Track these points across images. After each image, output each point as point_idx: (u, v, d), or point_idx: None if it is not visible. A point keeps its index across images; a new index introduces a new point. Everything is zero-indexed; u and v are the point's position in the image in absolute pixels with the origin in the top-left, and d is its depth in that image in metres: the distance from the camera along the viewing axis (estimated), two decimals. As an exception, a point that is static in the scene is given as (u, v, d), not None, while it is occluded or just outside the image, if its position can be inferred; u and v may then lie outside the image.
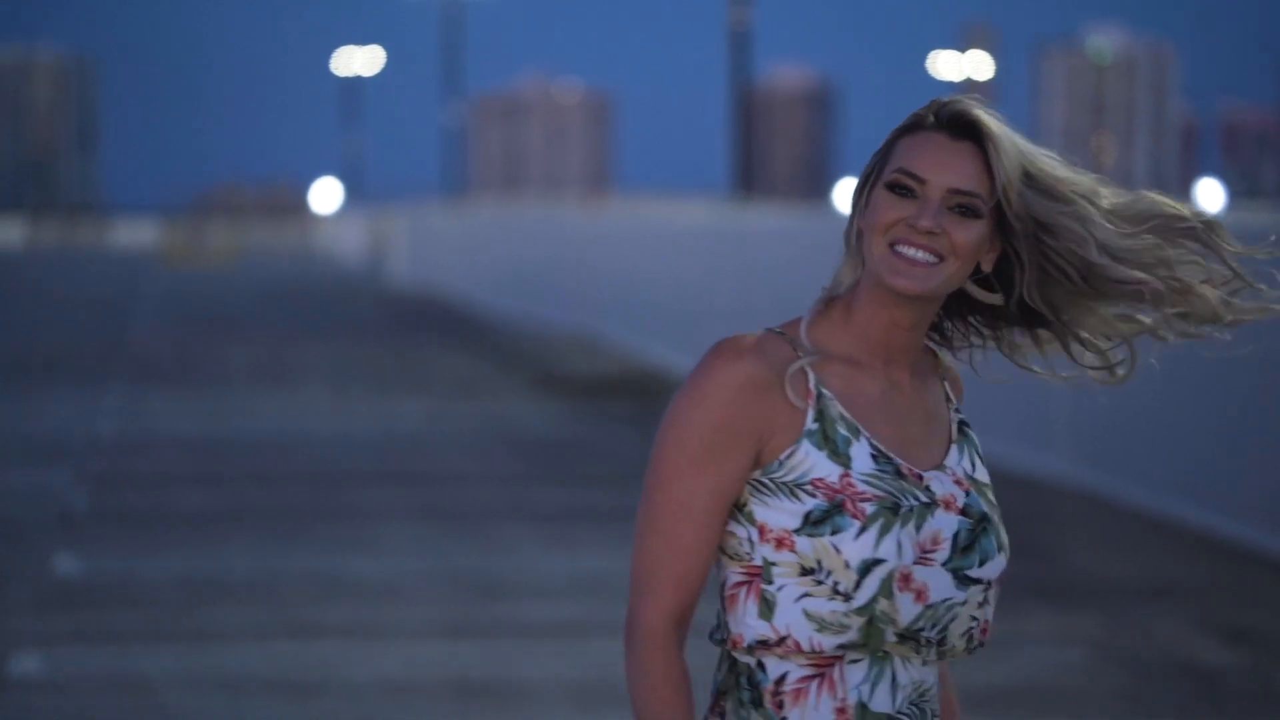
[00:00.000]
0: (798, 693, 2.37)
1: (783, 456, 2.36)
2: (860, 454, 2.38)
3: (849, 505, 2.35)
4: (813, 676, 2.37)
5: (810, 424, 2.38)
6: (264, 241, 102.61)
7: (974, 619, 2.39)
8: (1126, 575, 9.92)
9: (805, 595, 2.34)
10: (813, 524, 2.34)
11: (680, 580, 2.37)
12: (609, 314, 25.98)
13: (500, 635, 8.30)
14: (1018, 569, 10.07)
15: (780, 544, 2.35)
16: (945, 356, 2.53)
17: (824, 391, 2.40)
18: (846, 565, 2.33)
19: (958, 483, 2.42)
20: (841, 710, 2.36)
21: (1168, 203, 2.50)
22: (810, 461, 2.36)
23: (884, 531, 2.34)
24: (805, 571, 2.34)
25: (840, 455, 2.37)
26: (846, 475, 2.36)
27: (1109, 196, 2.48)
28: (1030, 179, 2.43)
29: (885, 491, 2.37)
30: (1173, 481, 11.64)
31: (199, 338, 27.33)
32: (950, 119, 2.42)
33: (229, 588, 9.24)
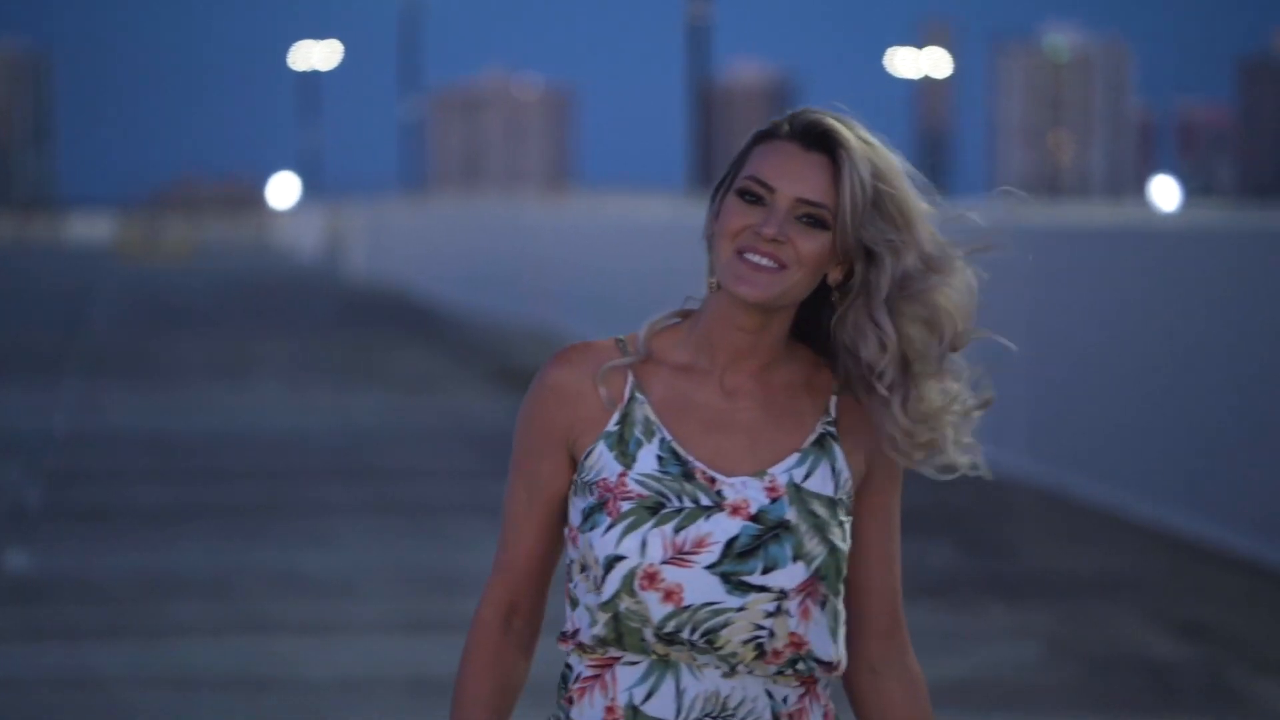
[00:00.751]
0: (581, 691, 2.42)
1: (583, 458, 2.43)
2: (647, 455, 2.41)
3: (610, 503, 2.40)
4: (593, 677, 2.41)
5: (611, 426, 2.43)
6: (221, 236, 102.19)
7: (761, 627, 2.36)
8: (1081, 569, 9.97)
9: (586, 591, 2.41)
10: (585, 521, 2.41)
11: (506, 570, 2.47)
12: (568, 309, 25.96)
13: (458, 630, 8.29)
14: (973, 564, 10.10)
15: (574, 541, 2.44)
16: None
17: (638, 395, 2.44)
18: (596, 560, 2.39)
19: (770, 489, 2.39)
20: (610, 709, 2.40)
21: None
22: (602, 462, 2.42)
23: (631, 529, 2.37)
24: (582, 568, 2.41)
25: (626, 456, 2.41)
26: (624, 475, 2.40)
27: (931, 239, 2.50)
28: (879, 198, 2.42)
29: (655, 492, 2.39)
30: (1128, 477, 11.70)
31: (155, 333, 27.20)
32: (804, 129, 2.42)
33: (185, 584, 9.20)
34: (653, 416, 2.43)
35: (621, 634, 2.37)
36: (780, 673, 2.39)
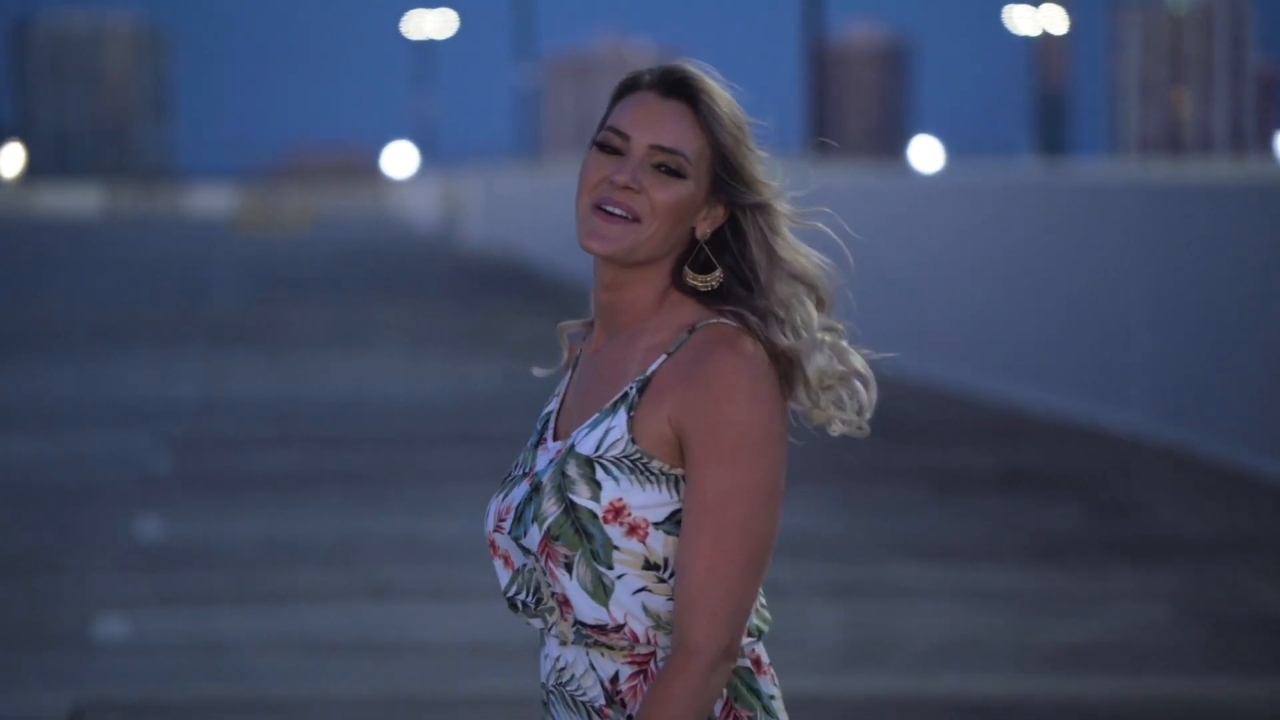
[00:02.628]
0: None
1: None
2: (536, 423, 2.45)
3: None
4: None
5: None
6: (337, 205, 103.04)
7: (550, 587, 2.35)
8: (1207, 530, 9.85)
9: None
10: None
11: None
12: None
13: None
14: (1098, 526, 10.00)
15: None
16: (719, 334, 2.31)
17: (578, 362, 2.47)
18: None
19: (558, 453, 2.37)
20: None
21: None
22: None
23: (489, 500, 2.43)
24: None
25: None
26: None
27: (778, 194, 2.41)
28: (739, 146, 2.34)
29: (514, 462, 2.43)
30: (1252, 435, 11.53)
31: (276, 302, 27.49)
32: (661, 77, 2.37)
33: (309, 550, 9.30)
34: (564, 383, 2.47)
35: (509, 597, 2.42)
36: (585, 640, 2.33)
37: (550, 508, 2.33)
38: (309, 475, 11.70)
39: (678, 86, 2.36)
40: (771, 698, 2.34)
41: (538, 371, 2.58)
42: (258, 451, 12.75)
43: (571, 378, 2.46)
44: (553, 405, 2.45)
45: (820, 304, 2.40)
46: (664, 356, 2.34)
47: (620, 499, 2.30)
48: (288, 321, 23.67)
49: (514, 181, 47.62)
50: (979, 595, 8.27)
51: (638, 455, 2.30)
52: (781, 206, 2.39)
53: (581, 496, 2.31)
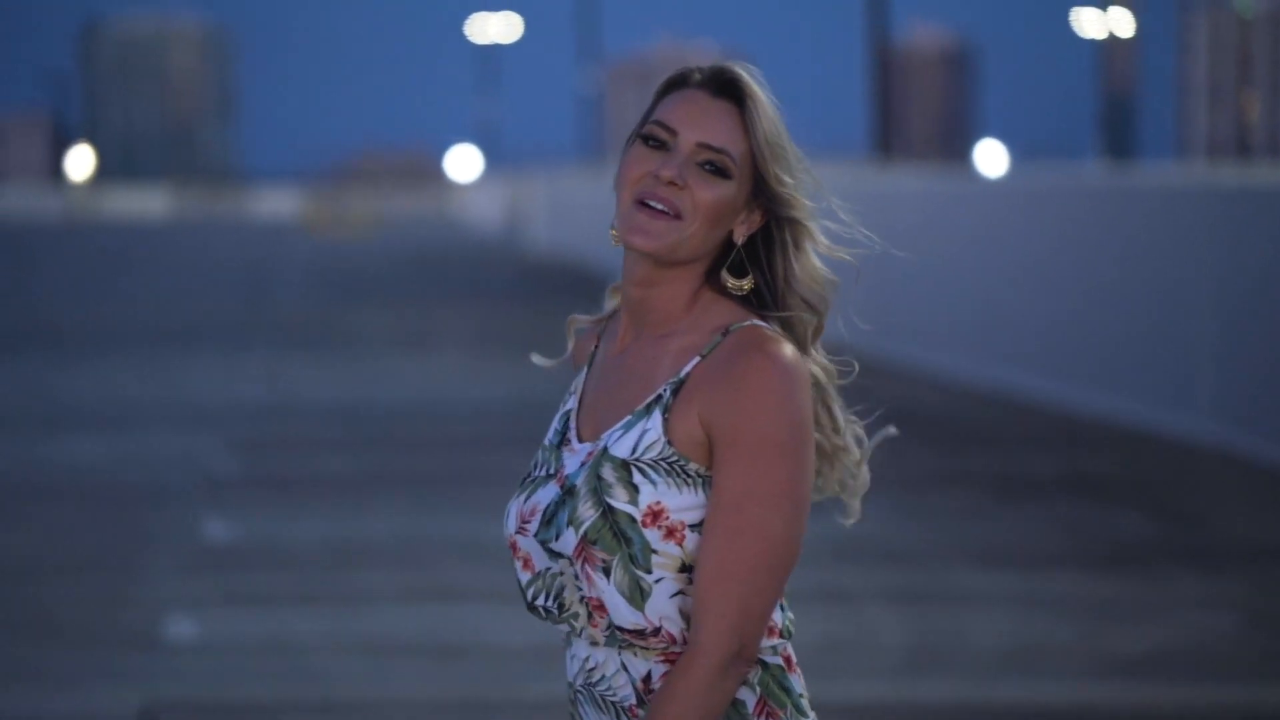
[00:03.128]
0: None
1: None
2: (553, 424, 2.41)
3: None
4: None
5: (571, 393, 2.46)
6: (401, 209, 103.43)
7: (580, 590, 2.32)
8: (1276, 537, 9.77)
9: None
10: None
11: None
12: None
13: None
14: (1163, 533, 9.94)
15: None
16: (752, 338, 2.29)
17: (594, 357, 2.44)
18: None
19: (589, 455, 2.33)
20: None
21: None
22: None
23: (510, 501, 2.39)
24: None
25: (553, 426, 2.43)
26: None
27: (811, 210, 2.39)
28: (783, 152, 2.33)
29: (534, 462, 2.40)
30: (1323, 444, 11.43)
31: (340, 305, 27.62)
32: (712, 76, 2.36)
33: (375, 551, 9.35)
34: (580, 381, 2.43)
35: (529, 601, 2.40)
36: (618, 642, 2.32)
37: (587, 511, 2.30)
38: (374, 477, 11.76)
39: (728, 87, 2.35)
40: (801, 695, 2.34)
41: (537, 359, 2.56)
42: (323, 454, 12.82)
43: (588, 375, 2.43)
44: (571, 404, 2.41)
45: (817, 330, 2.41)
46: (698, 358, 2.32)
47: (659, 502, 2.27)
48: (353, 324, 23.79)
49: (577, 185, 47.70)
50: (1044, 602, 8.24)
51: (674, 458, 2.28)
52: (813, 224, 2.38)
53: (619, 500, 2.28)
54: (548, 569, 2.35)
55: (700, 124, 2.32)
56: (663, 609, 2.28)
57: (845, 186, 24.21)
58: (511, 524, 2.36)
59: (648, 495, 2.27)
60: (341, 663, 7.28)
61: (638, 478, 2.28)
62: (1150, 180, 16.57)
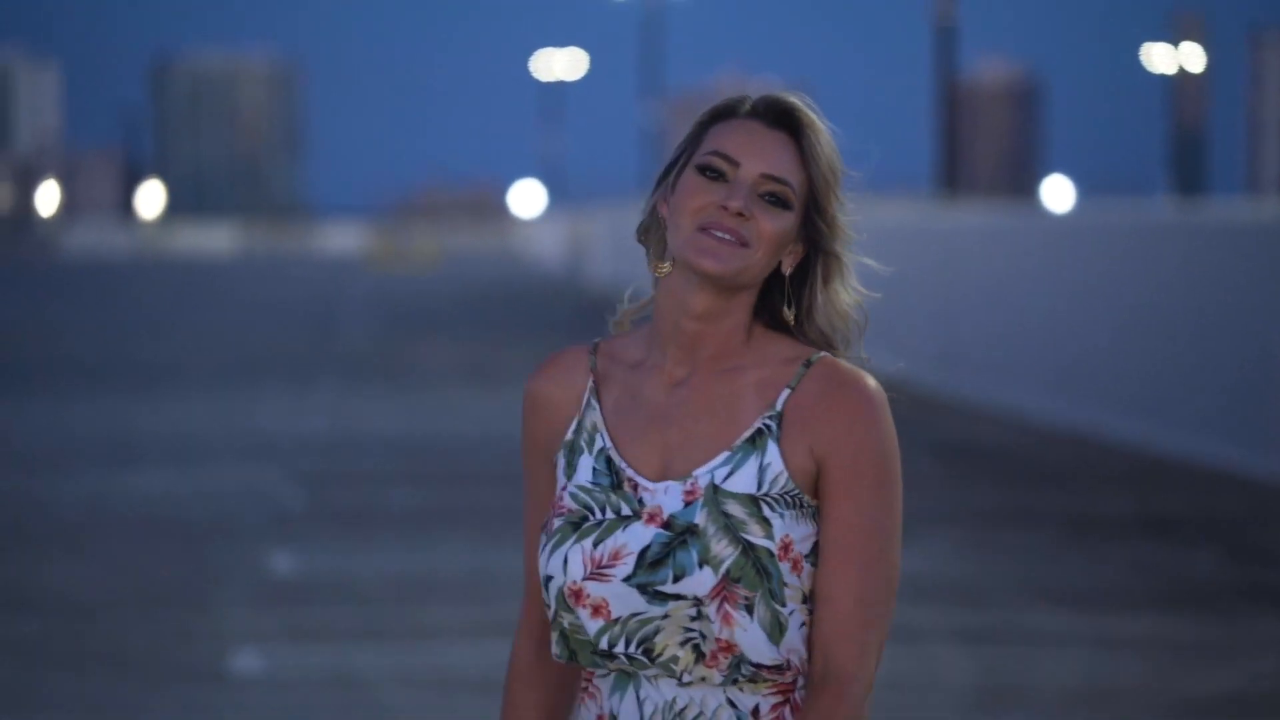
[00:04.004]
0: (582, 699, 2.39)
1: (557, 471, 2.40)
2: (584, 466, 2.35)
3: (550, 521, 2.35)
4: (584, 687, 2.39)
5: (569, 435, 2.38)
6: (465, 243, 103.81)
7: (690, 630, 2.27)
8: (1352, 580, 9.62)
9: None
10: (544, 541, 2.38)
11: (529, 594, 2.45)
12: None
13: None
14: (1240, 572, 9.81)
15: None
16: (834, 370, 2.31)
17: (593, 401, 2.37)
18: (541, 580, 2.36)
19: (689, 493, 2.28)
20: (600, 717, 2.36)
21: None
22: (558, 475, 2.38)
23: (557, 547, 2.32)
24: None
25: (570, 468, 2.36)
26: (565, 489, 2.35)
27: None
28: (838, 183, 2.34)
29: (583, 505, 2.32)
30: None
31: (405, 339, 27.72)
32: (767, 107, 2.34)
33: (441, 586, 9.34)
34: (599, 422, 2.36)
35: (573, 650, 2.33)
36: (735, 680, 2.29)
37: (723, 550, 2.27)
38: (439, 511, 11.76)
39: (784, 117, 2.34)
40: None
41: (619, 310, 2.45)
42: (389, 487, 12.83)
43: (610, 411, 2.35)
44: (602, 443, 2.35)
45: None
46: (787, 390, 2.32)
47: (788, 535, 2.29)
48: (417, 359, 23.85)
49: (638, 219, 47.62)
50: (1114, 642, 8.14)
51: (795, 491, 2.30)
52: (847, 259, 2.38)
53: (756, 536, 2.27)
54: (635, 614, 2.29)
55: (762, 154, 2.32)
56: (793, 642, 2.29)
57: (911, 223, 24.14)
58: (579, 569, 2.30)
59: (779, 529, 2.28)
60: (407, 697, 7.26)
61: (767, 511, 2.28)
62: (1220, 216, 16.42)
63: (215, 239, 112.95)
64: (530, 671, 2.43)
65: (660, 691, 2.33)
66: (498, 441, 15.33)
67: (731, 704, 2.30)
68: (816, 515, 2.30)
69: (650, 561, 2.28)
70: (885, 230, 24.06)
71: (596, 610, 2.31)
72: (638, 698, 2.33)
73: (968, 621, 8.53)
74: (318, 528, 11.16)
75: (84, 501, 12.14)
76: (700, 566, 2.27)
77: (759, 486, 2.29)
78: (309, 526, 11.21)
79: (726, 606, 2.27)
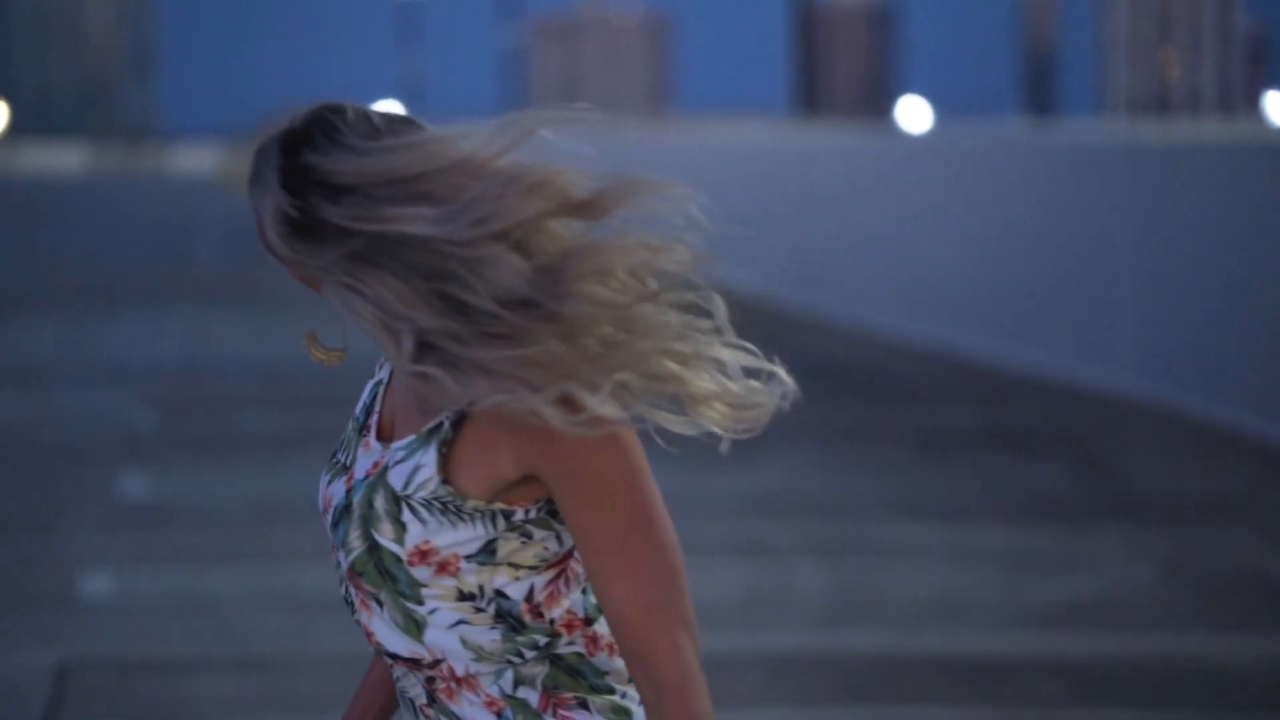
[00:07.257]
0: None
1: None
2: (367, 387, 2.32)
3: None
4: None
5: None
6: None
7: (355, 614, 2.19)
8: (1194, 490, 9.86)
9: None
10: None
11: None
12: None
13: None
14: (1085, 486, 10.00)
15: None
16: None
17: None
18: None
19: (374, 465, 2.15)
20: None
21: None
22: None
23: (323, 475, 2.28)
24: None
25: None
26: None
27: None
28: None
29: (343, 440, 2.25)
30: (1240, 393, 11.54)
31: (260, 261, 27.39)
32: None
33: (297, 508, 9.29)
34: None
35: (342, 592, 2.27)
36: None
37: (355, 541, 2.13)
38: (296, 435, 11.68)
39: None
40: (604, 674, 2.16)
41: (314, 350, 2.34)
42: (244, 411, 12.72)
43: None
44: (382, 374, 2.26)
45: None
46: None
47: (427, 542, 2.10)
48: (271, 281, 23.62)
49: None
50: (965, 554, 8.28)
51: (449, 498, 2.09)
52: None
53: (385, 536, 2.11)
54: (339, 565, 2.19)
55: None
56: (442, 641, 2.12)
57: (768, 144, 24.20)
58: (319, 504, 2.21)
59: (415, 535, 2.10)
60: (262, 619, 7.23)
61: (406, 515, 2.10)
62: (1070, 136, 16.64)
63: (64, 159, 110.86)
64: None
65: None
66: (354, 365, 15.22)
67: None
68: (496, 517, 2.09)
69: (332, 522, 2.18)
70: (743, 151, 24.11)
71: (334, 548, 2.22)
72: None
73: (823, 535, 8.63)
74: (170, 452, 11.04)
75: (-71, 427, 11.93)
76: (340, 547, 2.16)
77: (404, 486, 2.11)
78: (161, 450, 11.09)
79: (362, 595, 2.15)
